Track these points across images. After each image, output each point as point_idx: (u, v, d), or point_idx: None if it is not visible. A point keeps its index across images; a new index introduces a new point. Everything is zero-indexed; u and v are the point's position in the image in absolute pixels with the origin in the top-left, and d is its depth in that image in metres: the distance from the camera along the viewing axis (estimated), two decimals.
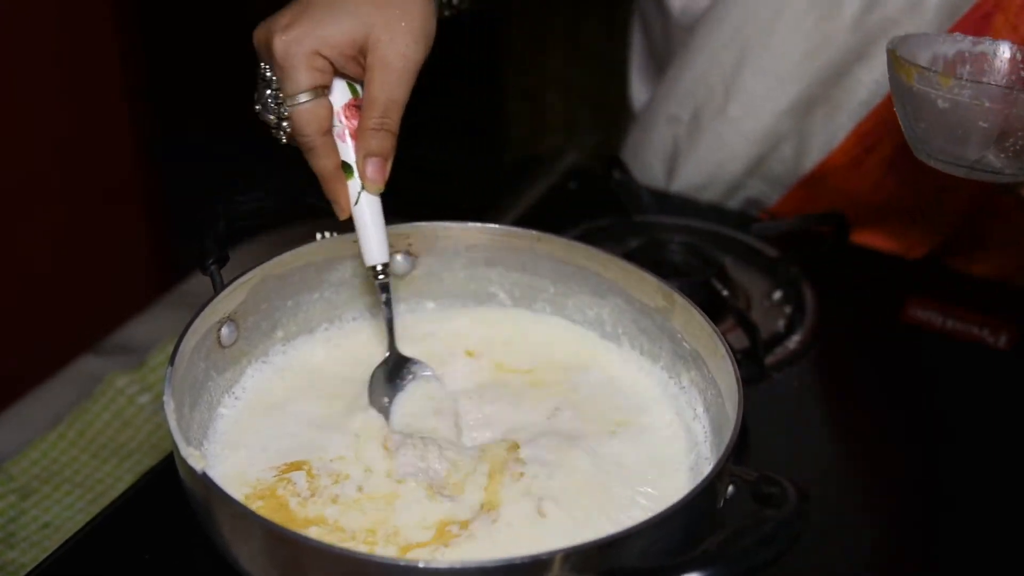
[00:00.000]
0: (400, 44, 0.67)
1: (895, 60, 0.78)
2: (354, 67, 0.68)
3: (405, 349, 0.76)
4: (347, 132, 0.70)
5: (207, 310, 0.68)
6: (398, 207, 0.85)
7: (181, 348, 0.65)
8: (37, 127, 1.62)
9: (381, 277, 0.72)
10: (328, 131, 0.69)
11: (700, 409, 0.72)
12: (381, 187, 0.70)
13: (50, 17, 1.60)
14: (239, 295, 0.72)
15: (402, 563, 0.54)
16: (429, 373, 0.74)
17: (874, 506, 0.79)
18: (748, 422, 0.65)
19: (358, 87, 0.70)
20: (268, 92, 0.67)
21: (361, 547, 0.61)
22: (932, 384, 0.90)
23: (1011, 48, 0.80)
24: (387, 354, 0.74)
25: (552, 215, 1.08)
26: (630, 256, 0.78)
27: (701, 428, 0.71)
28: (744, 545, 0.55)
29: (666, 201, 1.12)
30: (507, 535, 0.63)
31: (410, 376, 0.74)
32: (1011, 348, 0.92)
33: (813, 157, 1.06)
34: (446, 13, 0.79)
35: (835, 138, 1.04)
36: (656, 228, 1.03)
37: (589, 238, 0.79)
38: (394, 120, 0.69)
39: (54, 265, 1.69)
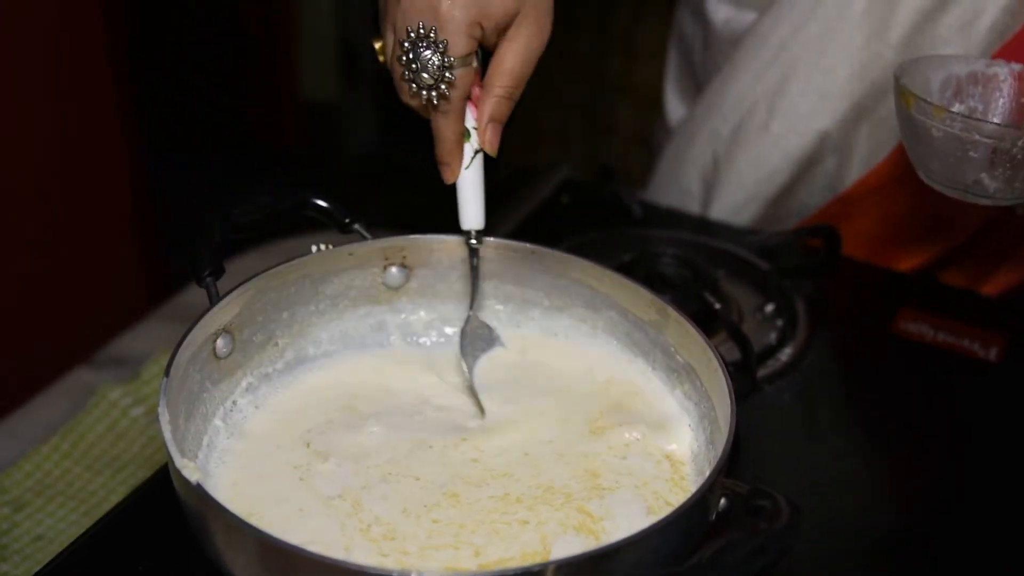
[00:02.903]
0: (542, 20, 0.72)
1: (897, 87, 0.80)
2: (495, 38, 0.72)
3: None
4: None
5: (203, 322, 0.68)
6: (392, 219, 0.85)
7: (176, 359, 0.65)
8: (29, 139, 1.62)
9: (474, 242, 0.76)
10: (469, 96, 0.73)
11: (693, 422, 0.73)
12: (497, 150, 0.74)
13: (41, 29, 1.60)
14: (234, 307, 0.72)
15: (396, 572, 0.54)
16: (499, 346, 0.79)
17: (866, 518, 0.79)
18: (740, 435, 0.66)
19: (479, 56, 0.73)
20: (429, 53, 0.69)
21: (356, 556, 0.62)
22: (923, 396, 0.91)
23: (1022, 71, 0.83)
24: (468, 314, 0.78)
25: (545, 228, 1.08)
26: (623, 269, 0.79)
27: (694, 441, 0.72)
28: (736, 557, 0.55)
29: (657, 213, 1.13)
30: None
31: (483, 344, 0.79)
32: (1002, 360, 0.93)
33: (854, 174, 1.06)
34: None
35: (878, 155, 1.04)
36: (648, 241, 1.03)
37: (582, 251, 0.80)
38: (520, 91, 0.73)
39: (47, 277, 1.69)
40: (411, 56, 0.70)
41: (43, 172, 1.66)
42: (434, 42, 0.69)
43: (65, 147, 1.69)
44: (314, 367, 0.79)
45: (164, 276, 1.90)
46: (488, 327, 0.80)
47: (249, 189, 0.78)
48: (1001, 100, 0.84)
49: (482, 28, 0.70)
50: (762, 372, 0.89)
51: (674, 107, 1.27)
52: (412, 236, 0.79)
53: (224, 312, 0.71)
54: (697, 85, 1.22)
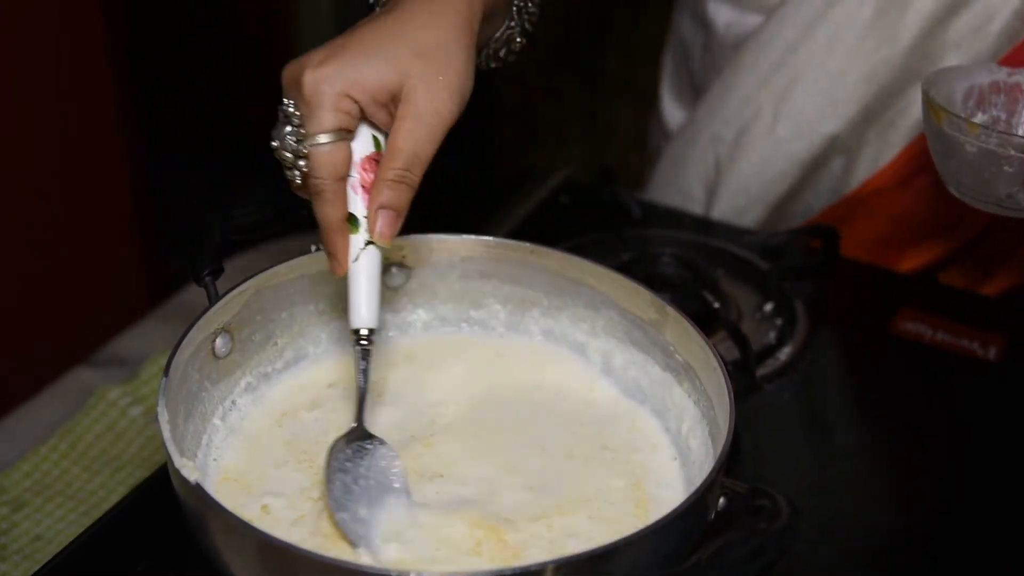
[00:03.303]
0: (436, 99, 0.64)
1: (927, 101, 0.80)
2: (383, 115, 0.66)
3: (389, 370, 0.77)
4: (360, 185, 0.67)
5: (202, 321, 0.68)
6: None
7: (176, 359, 0.65)
8: (29, 139, 1.62)
9: (364, 343, 0.68)
10: (343, 178, 0.66)
11: (692, 421, 0.73)
12: (389, 243, 0.66)
13: (41, 30, 1.60)
14: (234, 306, 0.72)
15: (394, 572, 0.54)
16: (392, 455, 0.67)
17: (866, 517, 0.79)
18: (739, 434, 0.66)
19: (382, 141, 0.67)
20: (289, 129, 0.64)
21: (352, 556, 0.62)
22: (923, 396, 0.91)
23: None
24: (353, 425, 0.68)
25: (544, 228, 1.08)
26: (622, 269, 0.79)
27: (693, 440, 0.72)
28: (735, 557, 0.55)
29: (656, 213, 1.13)
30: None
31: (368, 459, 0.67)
32: (1001, 360, 0.93)
33: (860, 175, 1.06)
34: (492, 65, 0.77)
35: (884, 157, 1.04)
36: (647, 241, 1.04)
37: (581, 251, 0.80)
38: (416, 175, 0.65)
39: (47, 277, 1.69)
40: (276, 131, 0.65)
41: (43, 172, 1.66)
42: (292, 116, 0.64)
43: (65, 147, 1.69)
44: (313, 366, 0.79)
45: (163, 276, 1.90)
46: (377, 440, 0.68)
47: (249, 189, 0.78)
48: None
49: (356, 102, 0.64)
50: (761, 371, 0.89)
51: (671, 111, 1.27)
52: (412, 236, 0.79)
53: (223, 312, 0.71)
54: (695, 89, 1.22)
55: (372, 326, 0.68)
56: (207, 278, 0.71)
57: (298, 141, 0.64)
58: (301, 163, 0.65)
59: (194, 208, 0.74)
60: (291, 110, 0.65)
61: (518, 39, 0.77)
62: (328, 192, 0.66)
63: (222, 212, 0.75)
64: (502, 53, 0.76)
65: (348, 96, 0.64)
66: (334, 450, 0.66)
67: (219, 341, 0.71)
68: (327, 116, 0.64)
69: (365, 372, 0.68)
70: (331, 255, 0.68)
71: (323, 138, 0.64)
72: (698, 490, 0.59)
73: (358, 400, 0.68)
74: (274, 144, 0.65)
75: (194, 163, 2.42)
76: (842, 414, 0.91)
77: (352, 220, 0.67)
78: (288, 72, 0.66)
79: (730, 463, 0.62)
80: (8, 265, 1.63)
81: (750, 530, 0.56)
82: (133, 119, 1.84)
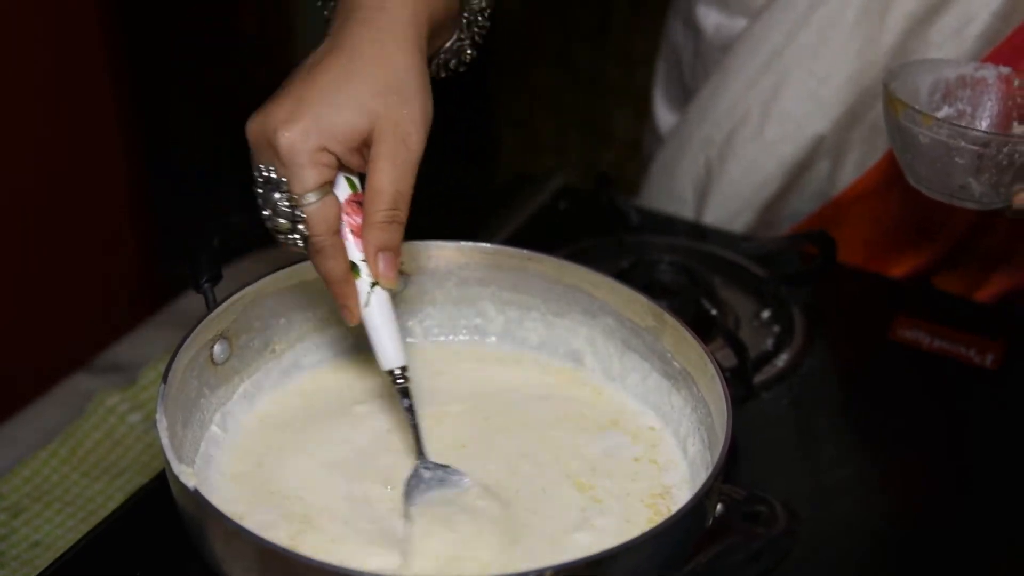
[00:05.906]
0: (405, 134, 0.64)
1: (887, 94, 0.82)
2: (357, 160, 0.65)
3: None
4: (349, 230, 0.66)
5: (200, 327, 0.69)
6: None
7: (174, 365, 0.65)
8: (27, 145, 1.62)
9: (400, 382, 0.68)
10: (338, 230, 0.65)
11: (690, 428, 0.73)
12: (395, 282, 0.67)
13: (39, 34, 1.60)
14: (232, 313, 0.72)
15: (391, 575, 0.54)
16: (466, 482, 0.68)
17: (863, 524, 0.79)
18: (737, 440, 0.66)
19: (356, 181, 0.67)
20: (277, 195, 0.63)
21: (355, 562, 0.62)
22: (920, 403, 0.91)
23: (1010, 74, 0.84)
24: (417, 461, 0.68)
25: (542, 235, 1.08)
26: (620, 276, 0.79)
27: (691, 446, 0.72)
28: (732, 563, 0.56)
29: (654, 220, 1.13)
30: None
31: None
32: (998, 367, 0.93)
33: (846, 178, 1.07)
34: (442, 75, 0.76)
35: (869, 160, 1.05)
36: (645, 247, 1.04)
37: (579, 257, 0.80)
38: (403, 212, 0.65)
39: (45, 282, 1.69)
40: (262, 203, 0.63)
41: (41, 177, 1.66)
42: (279, 182, 0.63)
43: (64, 153, 1.69)
44: (312, 373, 0.79)
45: (162, 282, 1.90)
46: (445, 468, 0.68)
47: (247, 195, 0.78)
48: (989, 103, 0.86)
49: (333, 153, 0.63)
50: (759, 378, 0.89)
51: (663, 115, 1.28)
52: (410, 242, 0.79)
53: (222, 318, 0.71)
54: (686, 93, 1.23)
55: (402, 364, 0.68)
56: (206, 284, 0.71)
57: (291, 206, 0.64)
58: (301, 226, 0.64)
59: (193, 214, 0.74)
60: (274, 176, 0.63)
61: (468, 51, 0.75)
62: (328, 248, 0.65)
63: (221, 218, 0.75)
64: (452, 64, 0.75)
65: (325, 150, 0.63)
66: (408, 484, 0.67)
67: (217, 347, 0.71)
68: (310, 174, 0.63)
69: (411, 408, 0.68)
70: (343, 306, 0.67)
71: (312, 196, 0.63)
72: (696, 496, 0.59)
73: (414, 435, 0.69)
74: (265, 214, 0.64)
75: (193, 169, 2.42)
76: (839, 420, 0.92)
77: (352, 267, 0.66)
78: (254, 132, 0.64)
79: (728, 469, 0.62)
80: (7, 271, 1.63)
81: (748, 536, 0.57)
82: (132, 125, 1.84)
